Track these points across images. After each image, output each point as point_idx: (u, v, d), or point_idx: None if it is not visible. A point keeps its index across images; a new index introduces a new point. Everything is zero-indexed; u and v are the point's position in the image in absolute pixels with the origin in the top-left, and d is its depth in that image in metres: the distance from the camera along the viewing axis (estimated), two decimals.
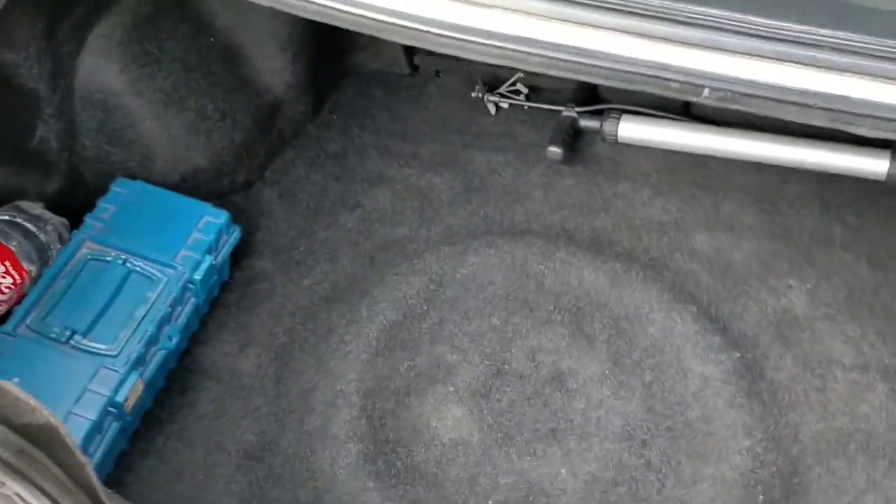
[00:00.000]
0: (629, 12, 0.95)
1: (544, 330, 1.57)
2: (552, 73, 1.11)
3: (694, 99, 0.99)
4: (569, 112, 1.91)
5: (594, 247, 1.73)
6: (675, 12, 0.93)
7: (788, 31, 0.92)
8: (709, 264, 1.71)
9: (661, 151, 1.89)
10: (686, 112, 1.91)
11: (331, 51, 1.91)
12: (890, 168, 1.70)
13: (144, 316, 1.33)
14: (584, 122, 1.90)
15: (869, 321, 1.61)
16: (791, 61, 0.93)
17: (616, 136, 1.87)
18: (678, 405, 1.47)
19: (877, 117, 0.96)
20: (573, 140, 1.89)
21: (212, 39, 1.60)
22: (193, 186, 1.62)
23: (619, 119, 1.86)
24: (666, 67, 0.96)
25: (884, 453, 1.41)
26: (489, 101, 1.98)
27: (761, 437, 1.43)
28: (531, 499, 1.35)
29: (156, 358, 1.34)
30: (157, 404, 1.42)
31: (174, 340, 1.37)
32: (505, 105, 1.99)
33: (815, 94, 0.94)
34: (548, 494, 1.36)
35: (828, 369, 1.53)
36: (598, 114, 1.89)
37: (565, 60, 1.02)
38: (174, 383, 1.45)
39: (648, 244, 1.75)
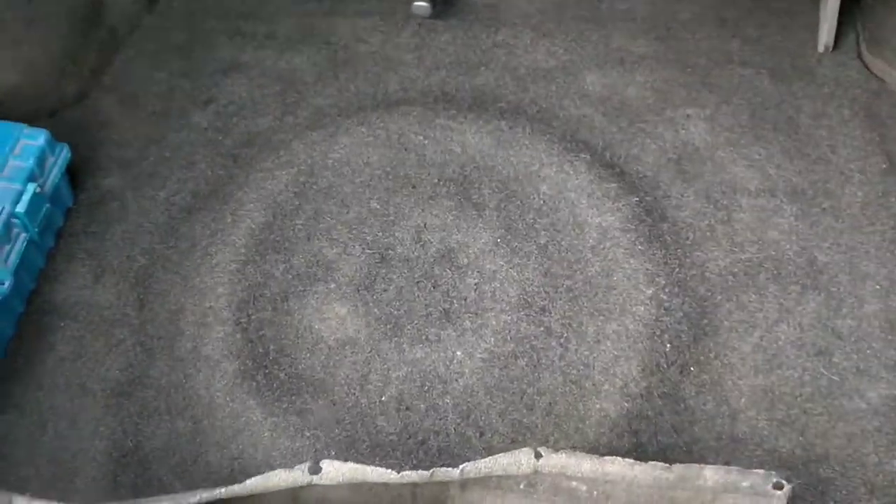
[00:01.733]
0: None
1: (429, 206, 1.44)
2: None
3: None
4: None
5: (476, 106, 1.58)
6: None
7: None
8: (601, 105, 1.57)
9: None
10: None
11: None
12: None
13: None
14: None
15: (774, 140, 1.50)
16: None
17: None
18: (576, 263, 1.37)
19: None
20: None
21: None
22: (13, 107, 1.43)
23: None
24: None
25: (795, 278, 1.33)
26: None
27: (665, 283, 1.34)
28: (427, 388, 1.26)
29: None
30: (10, 354, 1.29)
31: (7, 284, 1.22)
32: None
33: None
34: (444, 380, 1.26)
35: (732, 199, 1.43)
36: None
37: None
38: (26, 328, 1.31)
39: (535, 94, 1.60)
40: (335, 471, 0.98)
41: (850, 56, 1.60)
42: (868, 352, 1.25)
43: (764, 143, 1.49)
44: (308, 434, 1.21)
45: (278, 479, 0.98)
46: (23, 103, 1.46)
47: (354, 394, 1.26)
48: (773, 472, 0.99)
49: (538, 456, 1.00)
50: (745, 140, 1.50)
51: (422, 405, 1.25)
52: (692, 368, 1.27)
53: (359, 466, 0.99)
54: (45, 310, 1.34)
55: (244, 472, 1.18)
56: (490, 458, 0.99)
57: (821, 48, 1.60)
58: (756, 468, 0.98)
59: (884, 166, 1.44)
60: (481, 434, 1.22)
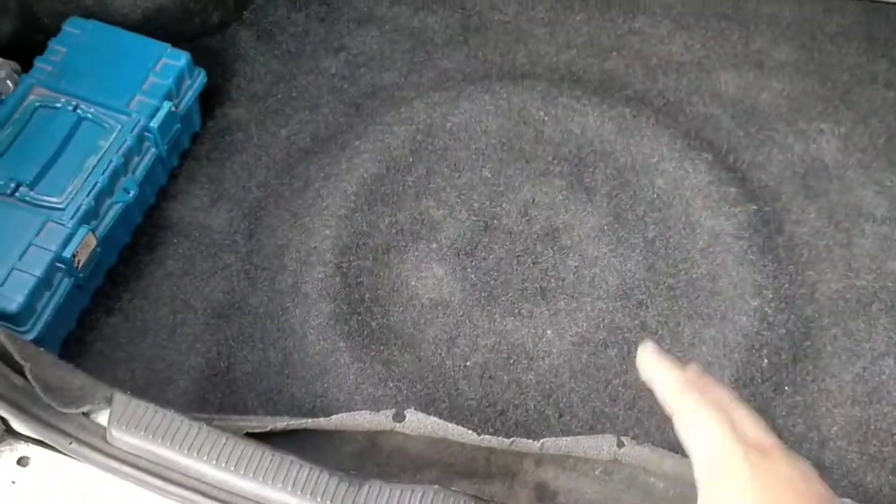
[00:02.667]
0: None
1: (540, 182, 1.43)
2: None
3: None
4: None
5: (602, 90, 1.56)
6: None
7: None
8: (731, 107, 1.53)
9: None
10: None
11: None
12: None
13: (95, 166, 1.23)
14: None
15: None
16: None
17: None
18: (682, 262, 1.34)
19: None
20: None
21: None
22: (159, 27, 1.49)
23: None
24: None
25: None
26: None
27: (772, 297, 1.30)
28: (512, 360, 1.26)
29: (111, 212, 1.25)
30: (123, 261, 1.35)
31: (131, 193, 1.28)
32: None
33: None
34: (530, 356, 1.26)
35: (855, 222, 1.38)
36: None
37: None
38: (140, 239, 1.37)
39: (665, 86, 1.57)
40: (418, 421, 0.99)
41: None
42: None
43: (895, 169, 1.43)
44: (391, 385, 1.23)
45: (363, 419, 1.00)
46: (168, 25, 1.51)
47: (441, 354, 1.27)
48: None
49: (620, 444, 0.99)
50: (878, 164, 1.44)
51: (505, 376, 1.25)
52: (787, 388, 1.23)
53: (441, 422, 1.00)
54: (160, 225, 1.39)
55: (325, 411, 1.22)
56: (571, 437, 0.99)
57: None
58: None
59: None
60: (560, 415, 1.22)
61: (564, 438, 0.99)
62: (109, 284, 1.32)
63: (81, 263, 1.19)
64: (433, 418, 0.99)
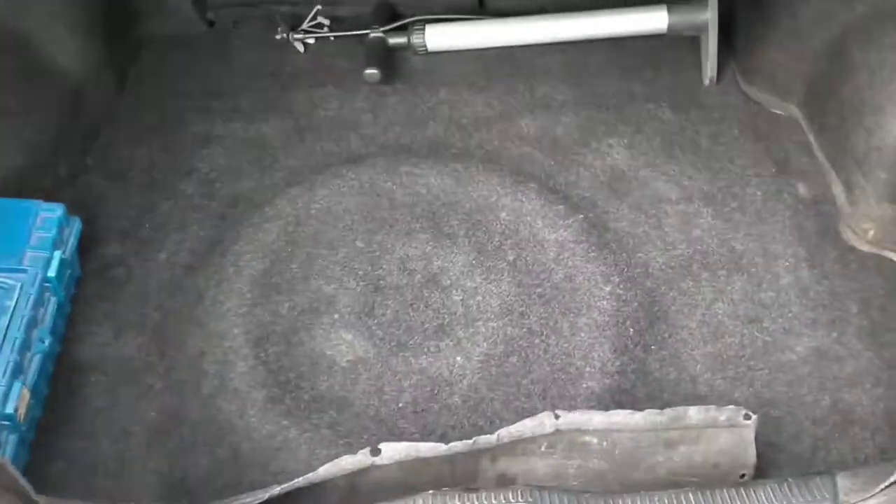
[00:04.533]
0: None
1: (408, 240, 1.64)
2: None
3: None
4: (375, 33, 1.95)
5: (432, 154, 1.81)
6: None
7: None
8: (537, 143, 1.83)
9: (469, 52, 1.99)
10: (481, 8, 2.01)
11: (120, 22, 1.84)
12: (669, 20, 1.88)
13: (8, 324, 1.27)
14: (393, 40, 1.95)
15: (682, 158, 1.80)
16: None
17: (425, 46, 1.94)
18: (543, 273, 1.60)
19: None
20: (387, 59, 1.95)
21: None
22: (15, 190, 1.54)
23: (423, 30, 1.93)
24: None
25: (721, 265, 1.60)
26: (294, 39, 1.98)
27: (619, 280, 1.58)
28: (436, 392, 1.44)
29: (34, 363, 1.30)
30: (49, 411, 1.38)
31: (47, 342, 1.33)
32: (311, 41, 2.00)
33: None
34: (450, 383, 1.45)
35: (659, 208, 1.71)
36: (403, 29, 1.95)
37: None
38: (59, 386, 1.41)
39: (480, 139, 1.85)
40: (393, 450, 1.15)
41: (730, 86, 1.94)
42: (789, 315, 1.52)
43: (675, 162, 1.79)
44: (342, 442, 1.36)
45: (345, 463, 1.14)
46: (23, 186, 1.57)
47: (374, 404, 1.42)
48: (742, 408, 1.23)
49: (556, 417, 1.20)
50: (660, 161, 1.80)
51: (435, 406, 1.43)
52: (653, 347, 1.51)
53: (412, 444, 1.16)
54: (73, 368, 1.44)
55: None
56: (518, 423, 1.19)
57: (706, 82, 1.94)
58: None
59: (773, 170, 1.76)
60: (491, 423, 1.40)
61: (513, 425, 1.18)
62: (42, 435, 1.34)
63: (23, 417, 1.22)
64: (404, 443, 1.15)
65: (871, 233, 1.63)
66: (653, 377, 1.46)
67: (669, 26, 1.89)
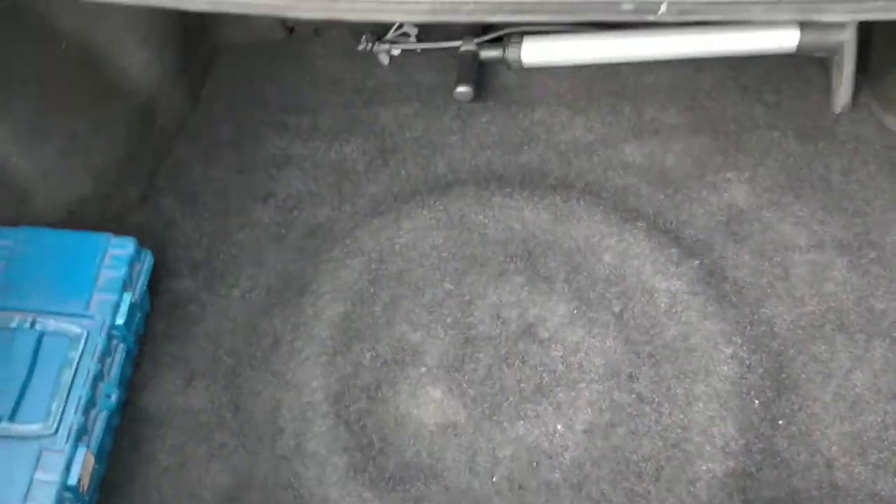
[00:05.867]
0: None
1: (501, 283, 1.49)
2: (502, 18, 0.97)
3: (650, 18, 0.89)
4: (467, 46, 1.78)
5: (527, 183, 1.64)
6: None
7: None
8: (644, 174, 1.65)
9: (569, 68, 1.81)
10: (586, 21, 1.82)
11: (196, 30, 1.71)
12: (801, 38, 1.67)
13: (73, 380, 1.16)
14: (486, 54, 1.78)
15: (812, 197, 1.60)
16: None
17: (521, 61, 1.77)
18: (653, 328, 1.43)
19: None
20: (478, 75, 1.78)
21: (63, 46, 1.39)
22: (82, 218, 1.43)
23: (520, 43, 1.76)
24: None
25: (859, 327, 1.41)
26: (380, 50, 1.83)
27: (741, 341, 1.40)
28: (534, 464, 1.29)
29: (98, 422, 1.19)
30: (112, 468, 1.27)
31: (113, 397, 1.21)
32: (397, 52, 1.85)
33: None
34: (549, 455, 1.30)
35: (785, 255, 1.52)
36: (498, 41, 1.78)
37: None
38: (123, 440, 1.30)
39: (580, 168, 1.67)
40: None
41: (864, 115, 1.72)
42: None
43: (804, 201, 1.59)
44: None
45: None
46: (91, 212, 1.46)
47: (465, 477, 1.28)
48: None
49: None
50: (786, 199, 1.60)
51: (533, 482, 1.28)
52: (780, 422, 1.33)
53: None
54: (139, 419, 1.33)
55: None
56: None
57: (838, 109, 1.72)
58: None
59: None
60: None
61: None
62: (104, 496, 1.24)
63: (86, 486, 1.11)
64: None
65: None
66: (781, 458, 1.29)
67: (800, 45, 1.68)
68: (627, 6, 0.88)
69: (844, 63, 1.67)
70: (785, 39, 1.68)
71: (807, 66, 1.80)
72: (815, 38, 1.67)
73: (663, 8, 0.87)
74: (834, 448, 1.30)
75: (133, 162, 1.54)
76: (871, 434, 1.30)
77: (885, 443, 1.29)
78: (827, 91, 1.76)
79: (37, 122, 1.37)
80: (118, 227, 1.45)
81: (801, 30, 1.67)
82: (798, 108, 1.75)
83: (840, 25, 1.65)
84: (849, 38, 1.64)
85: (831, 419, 1.32)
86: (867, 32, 1.69)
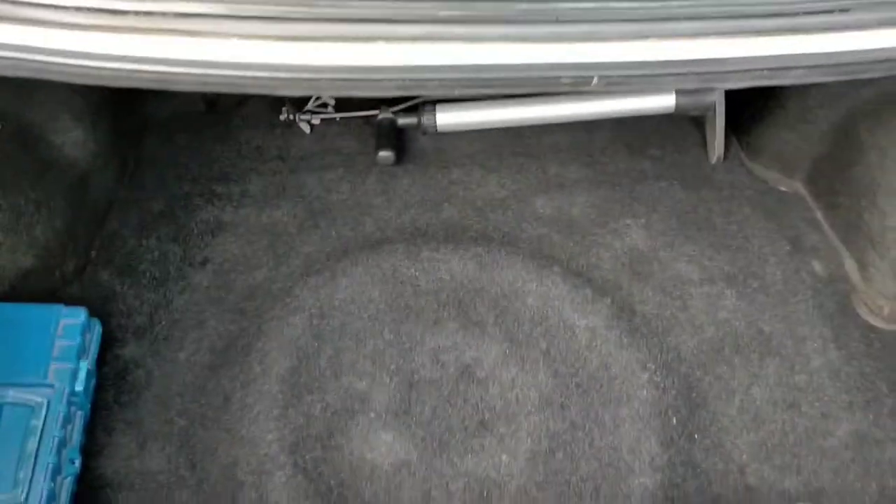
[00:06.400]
0: (510, 21, 0.98)
1: (437, 330, 1.60)
2: (460, 93, 1.10)
3: (585, 89, 1.05)
4: (385, 114, 1.92)
5: (451, 237, 1.78)
6: (540, 13, 0.98)
7: (649, 10, 1.01)
8: (555, 224, 1.82)
9: (479, 131, 1.97)
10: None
11: (124, 105, 1.77)
12: (677, 100, 1.90)
13: (38, 447, 1.17)
14: (403, 121, 1.92)
15: (699, 238, 1.81)
16: (658, 36, 1.02)
17: (436, 127, 1.92)
18: (577, 361, 1.57)
19: (746, 70, 1.08)
20: (397, 140, 1.92)
21: (1, 126, 1.42)
22: (24, 291, 1.45)
23: (434, 111, 1.91)
24: (558, 66, 1.01)
25: (752, 348, 1.61)
26: (301, 121, 1.94)
27: (655, 367, 1.57)
28: (486, 494, 1.39)
29: (65, 489, 1.20)
30: None
31: (76, 462, 1.23)
32: (317, 121, 1.96)
33: (691, 62, 1.04)
34: (499, 484, 1.40)
35: (683, 289, 1.71)
36: (413, 109, 1.93)
37: (442, 79, 1.02)
38: None
39: (497, 221, 1.82)
40: None
41: (736, 164, 1.97)
42: (826, 398, 1.53)
43: (693, 242, 1.80)
44: None
45: None
46: (32, 286, 1.47)
47: None
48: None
49: None
50: (678, 241, 1.80)
51: None
52: (696, 436, 1.49)
53: None
54: (97, 485, 1.33)
55: None
56: None
57: (713, 160, 1.96)
58: None
59: (788, 248, 1.78)
60: None
61: None
62: None
63: None
64: None
65: (887, 310, 1.66)
66: (700, 469, 1.45)
67: (677, 106, 1.92)
68: (566, 80, 1.03)
69: (716, 120, 1.91)
70: (664, 102, 1.92)
71: (684, 124, 2.04)
72: (689, 100, 1.91)
73: (595, 80, 1.03)
74: (744, 455, 1.46)
75: (70, 236, 1.57)
76: (774, 440, 1.48)
77: (786, 446, 1.47)
78: (703, 145, 2.00)
79: None
80: (59, 300, 1.46)
81: (677, 94, 1.91)
82: (679, 160, 1.98)
83: (711, 89, 1.90)
84: (718, 98, 1.90)
85: (738, 430, 1.49)
86: (735, 92, 1.95)
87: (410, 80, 1.01)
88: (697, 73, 1.05)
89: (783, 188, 1.92)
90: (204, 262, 1.67)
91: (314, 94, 1.07)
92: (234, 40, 0.97)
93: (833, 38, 1.07)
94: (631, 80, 1.07)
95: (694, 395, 1.55)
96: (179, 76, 0.97)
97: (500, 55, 1.00)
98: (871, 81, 1.65)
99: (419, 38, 0.98)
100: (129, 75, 0.97)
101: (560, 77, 1.02)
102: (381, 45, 0.98)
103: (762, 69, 1.07)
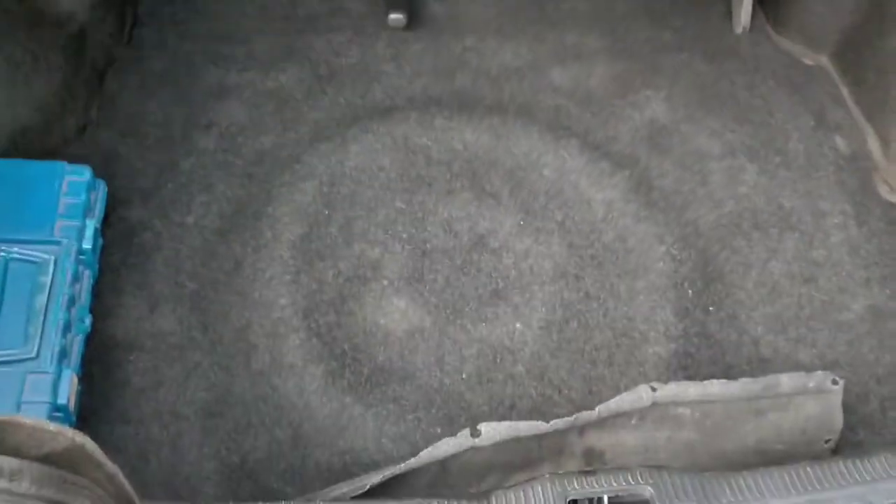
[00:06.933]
0: None
1: (450, 200, 1.56)
2: None
3: None
4: None
5: (465, 107, 1.71)
6: None
7: None
8: (572, 95, 1.76)
9: None
10: None
11: None
12: None
13: (47, 304, 1.15)
14: None
15: (721, 111, 1.75)
16: None
17: None
18: (593, 233, 1.54)
19: None
20: (408, 3, 1.82)
21: None
22: (25, 148, 1.39)
23: None
24: None
25: (771, 223, 1.58)
26: None
27: (672, 240, 1.54)
28: (499, 360, 1.38)
29: (75, 345, 1.18)
30: (86, 393, 1.26)
31: (87, 321, 1.21)
32: None
33: None
34: (512, 351, 1.39)
35: (703, 164, 1.66)
36: None
37: None
38: (93, 367, 1.29)
39: (512, 91, 1.76)
40: (493, 430, 1.09)
41: (762, 36, 1.89)
42: (843, 274, 1.52)
43: (715, 115, 1.74)
44: (410, 417, 1.30)
45: (446, 446, 1.08)
46: (33, 143, 1.41)
47: (437, 375, 1.36)
48: (829, 373, 1.22)
49: (654, 389, 1.16)
50: (699, 114, 1.74)
51: (500, 376, 1.37)
52: (711, 308, 1.48)
53: (512, 424, 1.10)
54: (108, 345, 1.32)
55: (358, 464, 1.26)
56: (616, 397, 1.14)
57: (738, 30, 1.88)
58: None
59: (812, 123, 1.73)
60: (559, 391, 1.36)
61: (611, 400, 1.14)
62: (84, 422, 1.23)
63: (73, 406, 1.11)
64: (505, 423, 1.10)
65: None
66: (714, 340, 1.44)
67: None
68: None
69: None
70: None
71: None
72: None
73: None
74: (759, 328, 1.45)
75: (69, 93, 1.50)
76: (789, 313, 1.47)
77: (801, 320, 1.46)
78: (727, 15, 1.91)
79: None
80: (61, 159, 1.41)
81: None
82: (702, 31, 1.90)
83: None
84: None
85: (754, 303, 1.48)
86: None
87: None
88: None
89: (809, 62, 1.84)
90: (209, 126, 1.61)
91: None
92: None
93: None
94: None
95: (710, 268, 1.53)
96: None
97: None
98: None
99: None
100: None
101: None
102: None
103: None
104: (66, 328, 1.16)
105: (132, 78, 1.66)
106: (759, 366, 1.41)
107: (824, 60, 1.84)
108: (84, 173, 1.29)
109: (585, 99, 1.75)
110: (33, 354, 1.11)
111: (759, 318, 1.46)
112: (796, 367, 1.40)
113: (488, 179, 1.60)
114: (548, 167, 1.62)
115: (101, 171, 1.49)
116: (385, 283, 1.44)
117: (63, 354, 1.14)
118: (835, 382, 1.21)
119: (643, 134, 1.71)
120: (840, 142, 1.72)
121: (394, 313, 1.41)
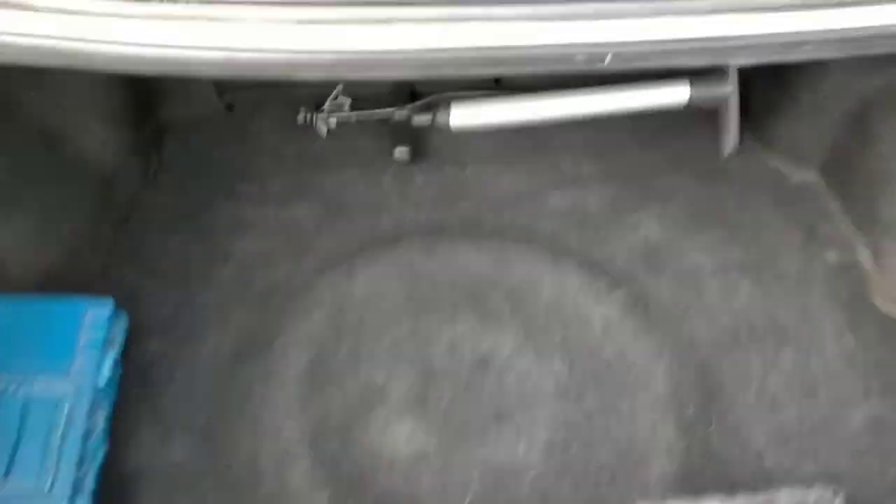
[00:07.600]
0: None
1: (453, 322, 1.62)
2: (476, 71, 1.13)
3: (598, 66, 1.07)
4: (400, 112, 1.95)
5: (467, 232, 1.80)
6: None
7: None
8: (570, 218, 1.84)
9: (492, 129, 2.00)
10: (497, 85, 2.02)
11: (144, 108, 1.81)
12: (691, 93, 1.91)
13: (63, 438, 1.21)
14: (418, 119, 1.95)
15: (712, 230, 1.81)
16: (672, 13, 1.04)
17: (449, 125, 1.94)
18: (593, 351, 1.59)
19: (753, 46, 1.09)
20: (412, 138, 1.94)
21: (29, 127, 1.46)
22: (50, 289, 1.48)
23: (449, 108, 1.93)
24: (572, 45, 1.03)
25: (768, 336, 1.62)
26: (319, 120, 1.97)
27: (669, 357, 1.58)
28: (502, 482, 1.41)
29: (89, 479, 1.23)
30: None
31: (101, 453, 1.26)
32: (334, 124, 1.99)
33: (700, 39, 1.07)
34: (516, 472, 1.42)
35: (697, 280, 1.72)
36: (427, 107, 1.95)
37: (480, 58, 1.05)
38: (109, 495, 1.33)
39: (512, 216, 1.85)
40: None
41: (751, 155, 1.97)
42: (842, 386, 1.54)
43: (706, 233, 1.81)
44: None
45: None
46: (59, 281, 1.51)
47: (441, 501, 1.38)
48: (830, 487, 1.23)
49: None
50: (692, 232, 1.81)
51: (503, 499, 1.39)
52: (712, 423, 1.50)
53: None
54: (122, 475, 1.36)
55: None
56: None
57: (726, 153, 1.97)
58: None
59: (802, 238, 1.79)
60: None
61: None
62: None
63: None
64: None
65: None
66: (718, 456, 1.45)
67: (691, 99, 1.92)
68: (580, 58, 1.06)
69: (730, 112, 1.92)
70: (677, 95, 1.93)
71: (695, 120, 2.04)
72: (703, 91, 1.92)
73: (608, 59, 1.06)
74: (762, 441, 1.47)
75: (96, 236, 1.61)
76: (791, 427, 1.48)
77: (803, 432, 1.48)
78: (714, 139, 2.01)
79: (7, 194, 1.43)
80: (86, 294, 1.50)
81: (692, 85, 1.92)
82: (692, 154, 1.99)
83: (725, 79, 1.90)
84: (732, 89, 1.90)
85: (755, 417, 1.50)
86: (746, 84, 1.96)
87: (427, 60, 1.04)
88: (711, 49, 1.07)
89: (796, 179, 1.92)
90: (226, 259, 1.71)
91: (332, 76, 1.11)
92: (255, 25, 1.01)
93: (842, 13, 1.09)
94: (645, 56, 1.09)
95: (709, 382, 1.56)
96: (201, 62, 1.01)
97: (515, 33, 1.03)
98: (881, 70, 1.66)
99: (435, 20, 1.01)
100: (153, 61, 1.00)
101: (574, 55, 1.04)
102: (398, 27, 1.01)
103: (774, 44, 1.09)
104: (81, 461, 1.21)
105: (155, 217, 1.77)
106: (764, 480, 1.42)
107: (812, 176, 1.91)
108: (106, 306, 1.37)
109: (582, 221, 1.84)
110: (47, 489, 1.16)
111: (760, 432, 1.48)
112: (800, 480, 1.41)
113: (490, 300, 1.66)
114: (547, 287, 1.69)
115: (124, 304, 1.58)
116: (391, 406, 1.49)
117: (76, 488, 1.18)
118: (835, 493, 1.22)
119: (638, 252, 1.77)
120: (831, 255, 1.77)
121: (399, 437, 1.45)
